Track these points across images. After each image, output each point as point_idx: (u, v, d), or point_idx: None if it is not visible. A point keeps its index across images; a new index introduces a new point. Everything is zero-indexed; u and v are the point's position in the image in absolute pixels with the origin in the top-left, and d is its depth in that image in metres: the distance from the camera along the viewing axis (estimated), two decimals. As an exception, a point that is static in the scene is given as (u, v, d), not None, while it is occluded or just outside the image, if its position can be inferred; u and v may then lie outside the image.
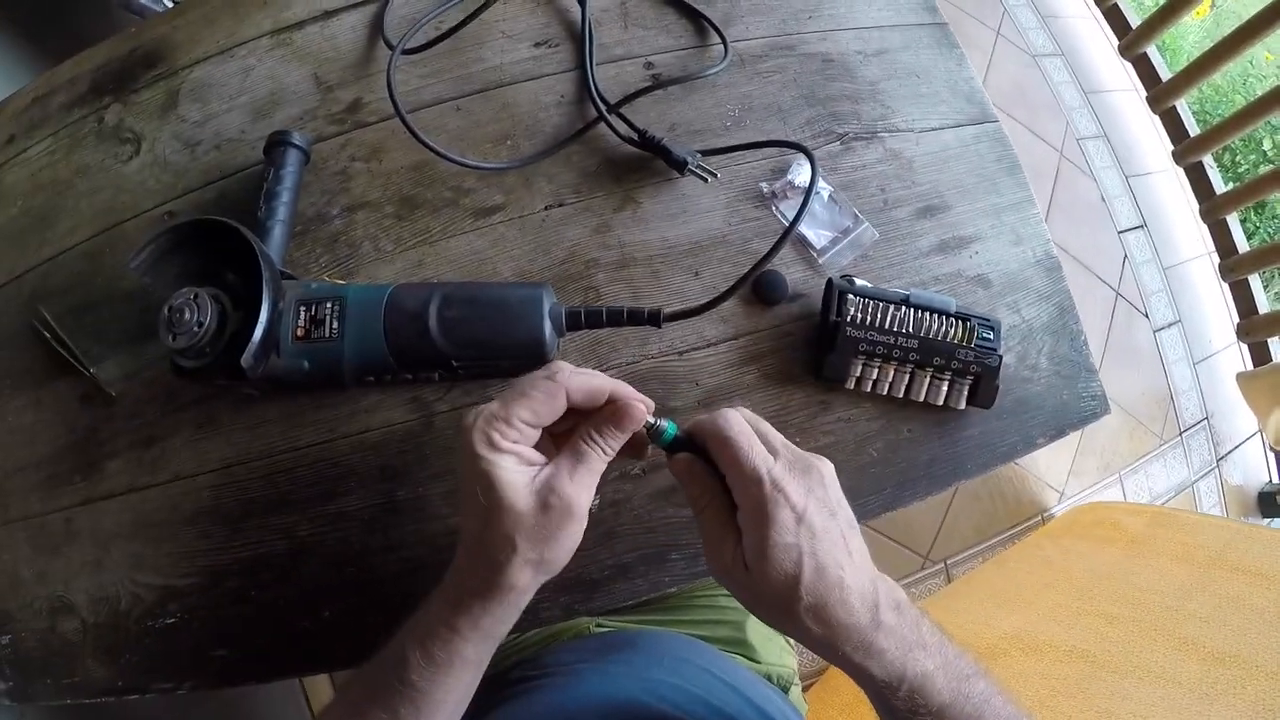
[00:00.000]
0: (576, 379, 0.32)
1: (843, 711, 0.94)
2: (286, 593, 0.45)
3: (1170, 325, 1.58)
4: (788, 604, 0.30)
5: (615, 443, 0.33)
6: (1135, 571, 1.03)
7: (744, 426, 0.32)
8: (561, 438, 0.34)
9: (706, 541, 0.33)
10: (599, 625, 0.59)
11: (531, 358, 0.41)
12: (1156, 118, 1.69)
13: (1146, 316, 1.56)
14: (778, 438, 0.33)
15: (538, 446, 0.33)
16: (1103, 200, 1.60)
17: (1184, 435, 1.51)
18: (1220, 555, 0.99)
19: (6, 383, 0.52)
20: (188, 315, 0.39)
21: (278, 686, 0.45)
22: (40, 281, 0.53)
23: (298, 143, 0.49)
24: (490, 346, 0.40)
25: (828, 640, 0.30)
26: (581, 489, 0.31)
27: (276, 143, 0.49)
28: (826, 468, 0.33)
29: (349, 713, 0.33)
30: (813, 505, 0.31)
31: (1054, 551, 1.22)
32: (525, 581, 0.31)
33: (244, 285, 0.40)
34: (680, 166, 0.49)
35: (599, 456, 0.32)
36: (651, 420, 0.33)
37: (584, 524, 0.32)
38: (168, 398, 0.49)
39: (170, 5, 0.69)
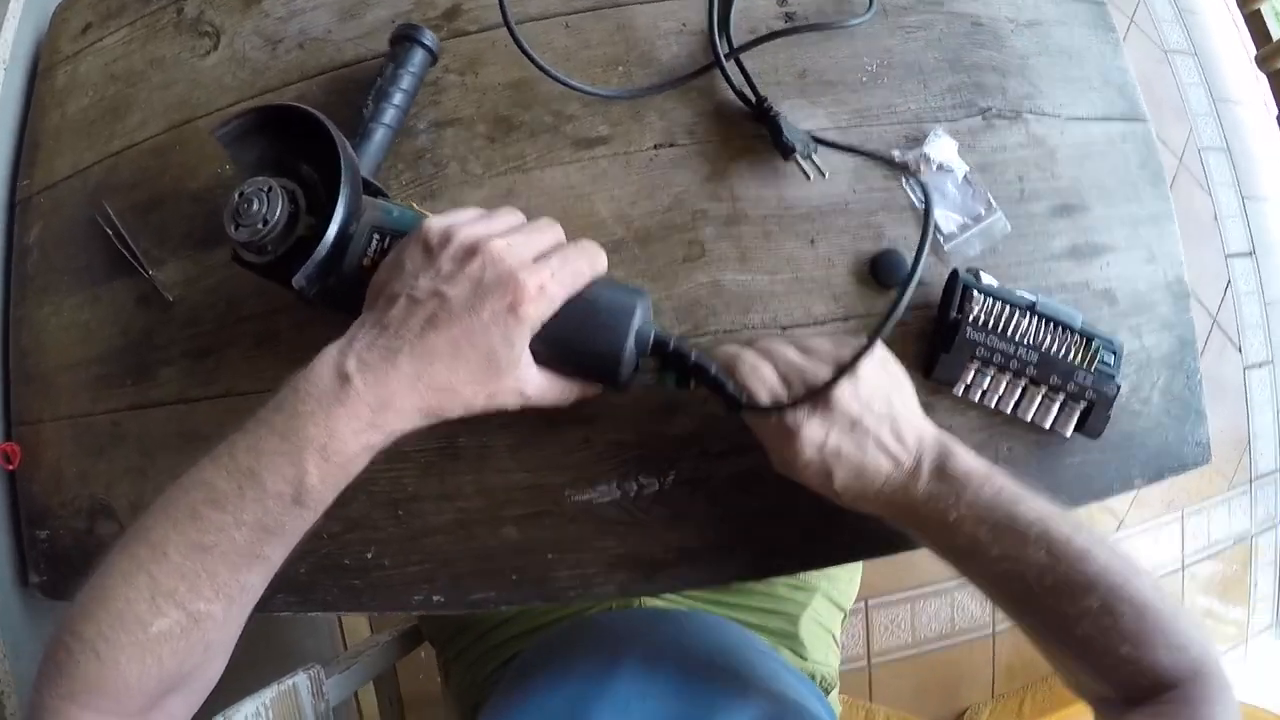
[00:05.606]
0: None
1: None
2: (330, 526, 0.43)
3: (1262, 365, 1.48)
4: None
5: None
6: None
7: (756, 367, 0.36)
8: None
9: (766, 447, 0.38)
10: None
11: (603, 371, 0.35)
12: (1285, 139, 1.55)
13: (1239, 350, 1.46)
14: (792, 361, 0.37)
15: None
16: (1215, 219, 1.49)
17: (1254, 484, 1.43)
18: None
19: (65, 278, 0.50)
20: (255, 207, 0.35)
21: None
22: (106, 175, 0.51)
23: (428, 43, 0.44)
24: (561, 345, 0.35)
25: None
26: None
27: (404, 37, 0.44)
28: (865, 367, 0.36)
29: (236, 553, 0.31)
30: (830, 432, 0.35)
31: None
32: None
33: (324, 188, 0.36)
34: (786, 152, 0.43)
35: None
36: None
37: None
38: (228, 307, 0.46)
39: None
